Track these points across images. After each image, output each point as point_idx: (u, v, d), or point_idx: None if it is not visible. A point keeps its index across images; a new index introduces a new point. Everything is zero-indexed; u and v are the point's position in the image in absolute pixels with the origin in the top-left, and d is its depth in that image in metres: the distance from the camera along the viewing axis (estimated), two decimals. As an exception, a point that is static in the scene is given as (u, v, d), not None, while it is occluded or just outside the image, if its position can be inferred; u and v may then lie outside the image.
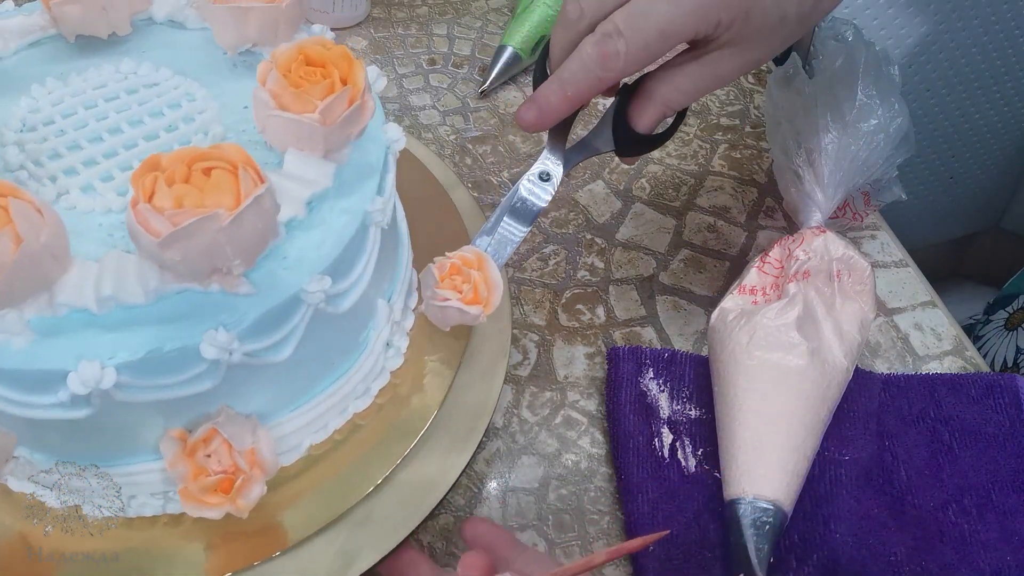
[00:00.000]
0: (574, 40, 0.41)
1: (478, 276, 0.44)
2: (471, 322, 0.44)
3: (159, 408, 0.37)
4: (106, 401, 0.34)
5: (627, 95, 0.44)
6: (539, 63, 0.45)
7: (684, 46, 0.43)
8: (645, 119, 0.44)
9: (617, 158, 0.49)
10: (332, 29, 0.47)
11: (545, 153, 0.47)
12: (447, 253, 0.44)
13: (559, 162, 0.47)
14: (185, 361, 0.35)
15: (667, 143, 0.48)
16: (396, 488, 0.43)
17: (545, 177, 0.47)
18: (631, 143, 0.46)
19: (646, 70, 0.43)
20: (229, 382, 0.37)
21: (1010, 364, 0.70)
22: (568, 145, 0.47)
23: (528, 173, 0.47)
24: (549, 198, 0.47)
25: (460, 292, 0.43)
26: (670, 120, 0.47)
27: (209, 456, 0.38)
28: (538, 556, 0.41)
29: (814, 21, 0.42)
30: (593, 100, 0.53)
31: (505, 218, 0.47)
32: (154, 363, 0.34)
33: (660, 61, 0.42)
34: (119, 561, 0.39)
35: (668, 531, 0.39)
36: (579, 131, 0.47)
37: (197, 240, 0.32)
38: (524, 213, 0.47)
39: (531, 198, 0.47)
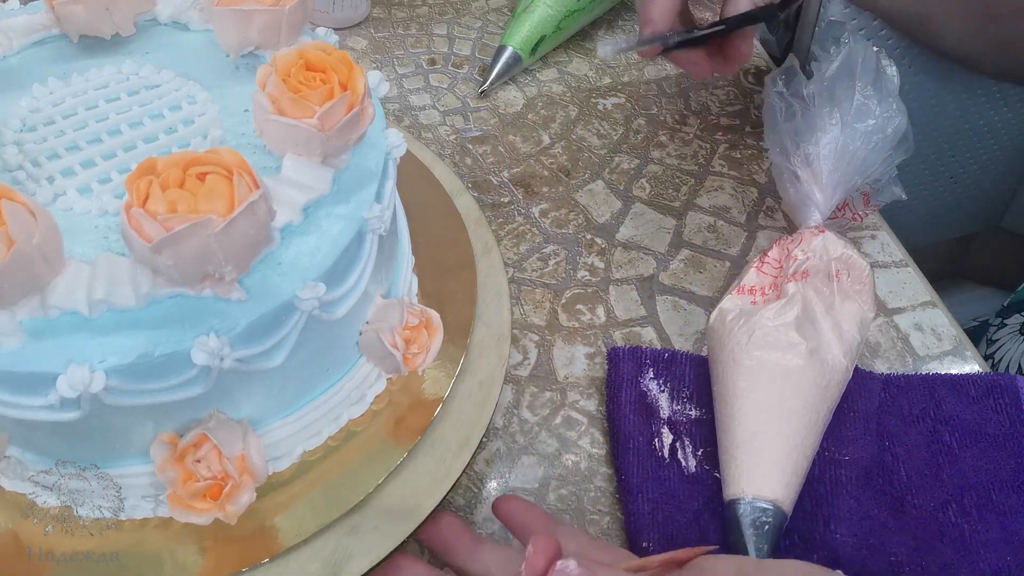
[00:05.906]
0: None
1: (427, 340, 0.45)
2: (390, 370, 0.45)
3: (149, 412, 0.37)
4: (96, 404, 0.34)
5: None
6: None
7: None
8: None
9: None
10: (332, 29, 0.47)
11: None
12: (419, 306, 0.46)
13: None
14: (176, 366, 0.34)
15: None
16: (387, 497, 0.42)
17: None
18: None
19: None
20: (220, 388, 0.36)
21: (1022, 369, 0.70)
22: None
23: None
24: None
25: (407, 346, 0.44)
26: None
27: (199, 461, 0.37)
28: (576, 532, 0.41)
29: None
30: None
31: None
32: (144, 367, 0.34)
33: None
34: (111, 562, 0.39)
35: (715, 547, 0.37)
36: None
37: (189, 245, 0.32)
38: None
39: None
